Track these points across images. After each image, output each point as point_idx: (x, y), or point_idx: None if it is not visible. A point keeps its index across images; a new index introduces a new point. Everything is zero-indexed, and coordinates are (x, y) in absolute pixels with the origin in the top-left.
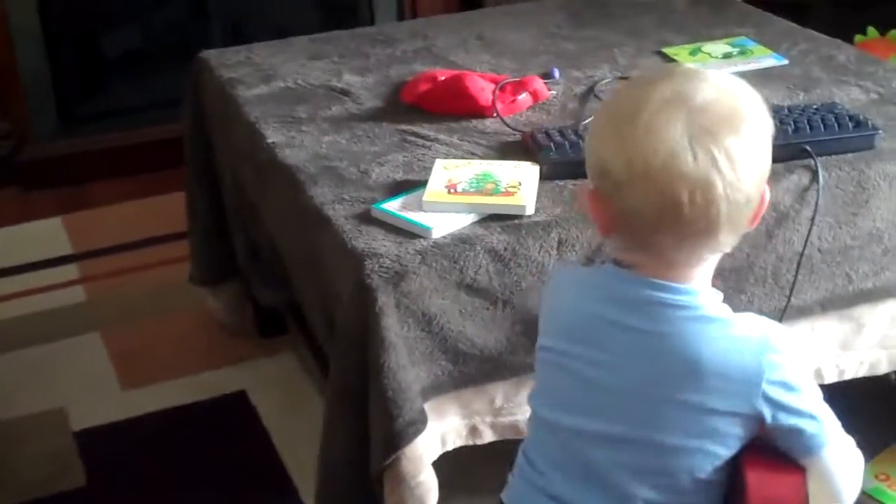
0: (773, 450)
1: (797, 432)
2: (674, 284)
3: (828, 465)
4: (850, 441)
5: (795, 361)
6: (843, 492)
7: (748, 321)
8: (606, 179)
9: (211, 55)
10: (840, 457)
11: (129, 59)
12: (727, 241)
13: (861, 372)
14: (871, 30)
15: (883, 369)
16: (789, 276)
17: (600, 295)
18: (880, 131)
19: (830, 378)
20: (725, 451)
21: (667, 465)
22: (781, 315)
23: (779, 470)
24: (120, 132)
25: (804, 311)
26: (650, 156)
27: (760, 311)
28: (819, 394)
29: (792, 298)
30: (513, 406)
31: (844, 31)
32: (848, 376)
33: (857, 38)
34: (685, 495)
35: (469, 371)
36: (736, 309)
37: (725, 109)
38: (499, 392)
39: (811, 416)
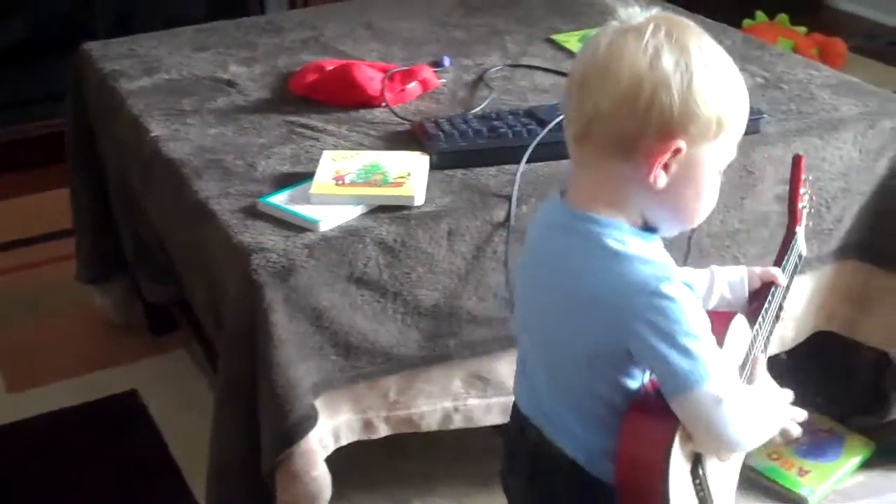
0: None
1: (664, 361)
2: (591, 214)
3: (692, 408)
4: (737, 395)
5: (684, 310)
6: (714, 440)
7: (648, 266)
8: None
9: (93, 47)
10: (708, 404)
11: (12, 52)
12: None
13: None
14: (760, 14)
15: (773, 351)
16: (681, 261)
17: (541, 219)
18: (765, 115)
19: None
20: (618, 376)
21: (571, 381)
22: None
23: (657, 413)
24: (2, 127)
25: None
26: None
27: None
28: (706, 342)
29: None
30: (407, 399)
31: (734, 15)
32: None
33: (746, 21)
34: (588, 412)
35: (361, 365)
36: None
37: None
38: (392, 386)
39: (685, 351)
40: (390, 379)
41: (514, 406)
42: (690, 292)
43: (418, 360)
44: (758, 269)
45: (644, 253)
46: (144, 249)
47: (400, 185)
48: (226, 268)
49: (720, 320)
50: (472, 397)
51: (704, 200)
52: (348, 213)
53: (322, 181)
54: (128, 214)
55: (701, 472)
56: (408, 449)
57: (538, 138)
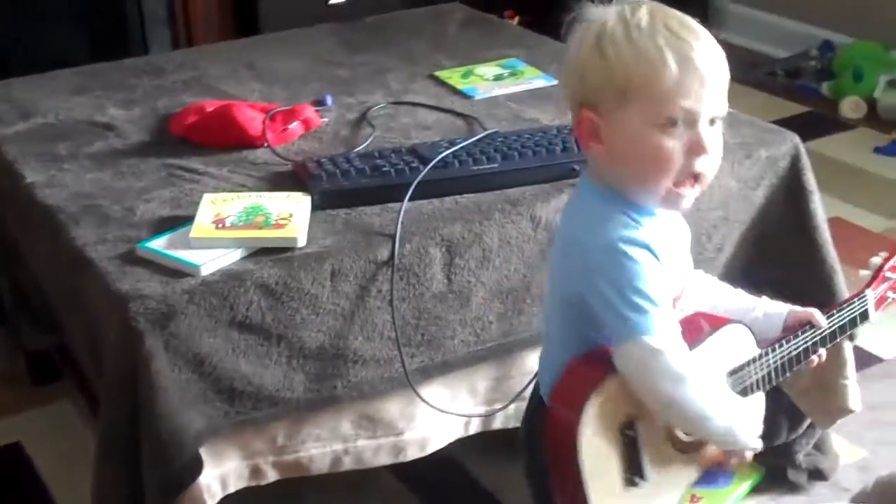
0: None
1: (612, 311)
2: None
3: (631, 356)
4: (681, 356)
5: (641, 271)
6: (647, 391)
7: (622, 228)
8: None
9: None
10: (646, 355)
11: None
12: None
13: None
14: None
15: None
16: None
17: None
18: None
19: None
20: (585, 329)
21: (554, 334)
22: None
23: (591, 363)
24: None
25: None
26: None
27: (540, 332)
28: (658, 304)
29: None
30: (295, 443)
31: None
32: None
33: None
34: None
35: (246, 410)
36: (516, 331)
37: None
38: (280, 430)
39: (633, 305)
40: (277, 423)
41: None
42: (653, 258)
43: (305, 403)
44: (800, 309)
45: (626, 219)
46: (24, 297)
47: (282, 226)
48: (104, 316)
49: (715, 321)
50: (361, 439)
51: (646, 162)
52: (229, 257)
53: (202, 224)
54: (6, 262)
55: (631, 432)
56: (301, 492)
57: (420, 176)
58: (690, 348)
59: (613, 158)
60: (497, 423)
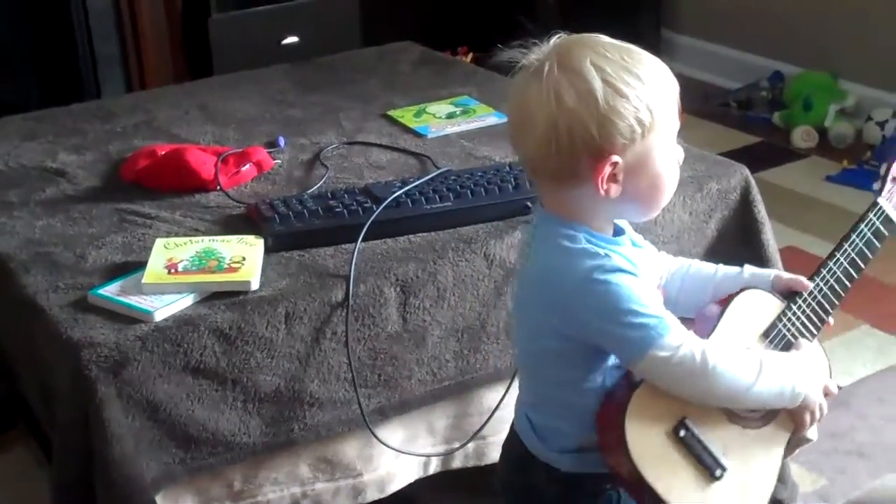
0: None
1: (614, 338)
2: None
3: (652, 369)
4: (693, 346)
5: (620, 289)
6: (684, 391)
7: (590, 259)
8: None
9: None
10: (663, 362)
11: None
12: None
13: None
14: None
15: None
16: None
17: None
18: None
19: None
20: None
21: (540, 374)
22: (515, 371)
23: (609, 396)
24: None
25: None
26: None
27: (496, 369)
28: (650, 308)
29: None
30: (253, 488)
31: None
32: None
33: None
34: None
35: (202, 456)
36: (473, 368)
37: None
38: (237, 475)
39: (629, 324)
40: (234, 468)
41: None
42: (629, 276)
43: (262, 447)
44: (786, 276)
45: (593, 249)
46: None
47: (235, 270)
48: (57, 364)
49: (723, 301)
50: (319, 482)
51: (664, 186)
52: (182, 302)
53: (154, 270)
54: None
55: (686, 432)
56: None
57: (373, 216)
58: (708, 335)
59: (630, 193)
60: (457, 462)
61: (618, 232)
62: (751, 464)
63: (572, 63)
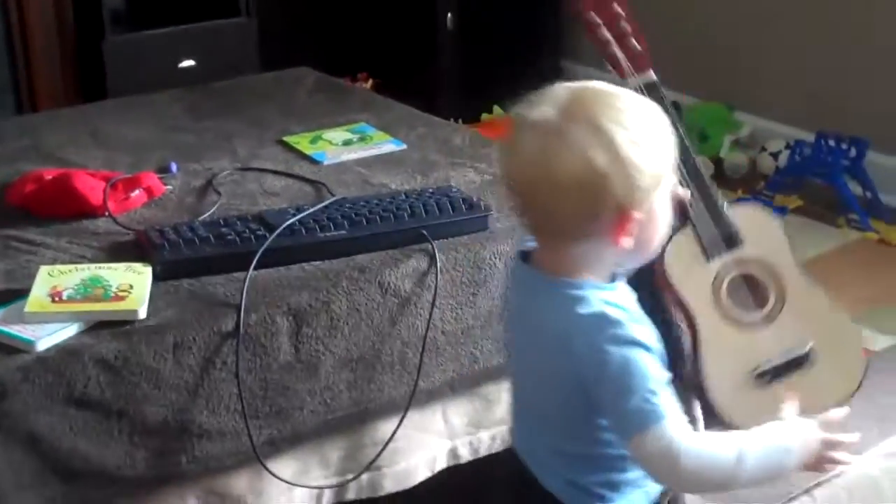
0: None
1: (619, 408)
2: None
3: (636, 453)
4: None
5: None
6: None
7: (606, 324)
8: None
9: None
10: (645, 449)
11: None
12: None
13: (495, 448)
14: (497, 108)
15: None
16: (416, 360)
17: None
18: (493, 212)
19: (465, 456)
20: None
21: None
22: (410, 400)
23: None
24: None
25: (434, 394)
26: None
27: (391, 399)
28: (661, 393)
29: (420, 382)
30: None
31: (474, 110)
32: (483, 453)
33: (484, 116)
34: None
35: (86, 490)
36: (367, 399)
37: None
38: None
39: (641, 398)
40: (120, 502)
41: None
42: (639, 349)
43: (149, 480)
44: None
45: (606, 312)
46: None
47: (122, 298)
48: None
49: None
50: None
51: (663, 229)
52: (66, 332)
53: (38, 298)
54: None
55: None
56: None
57: (266, 244)
58: None
59: (638, 243)
60: (350, 494)
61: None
62: None
63: (592, 120)
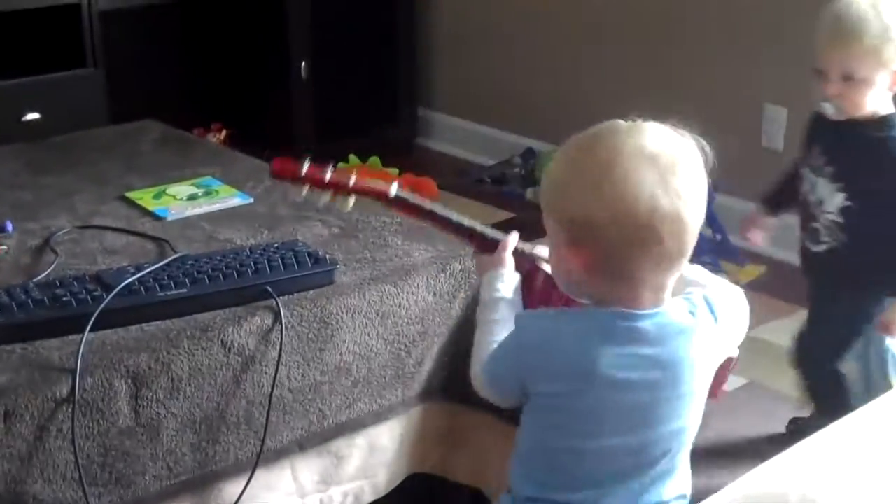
0: None
1: None
2: (649, 311)
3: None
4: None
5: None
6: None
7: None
8: (589, 229)
9: None
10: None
11: None
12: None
13: None
14: (353, 157)
15: (367, 499)
16: (262, 419)
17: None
18: (339, 266)
19: None
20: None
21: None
22: (257, 460)
23: None
24: None
25: (282, 452)
26: (632, 202)
27: (238, 459)
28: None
29: (268, 441)
30: None
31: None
32: None
33: (340, 165)
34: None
35: None
36: (212, 461)
37: (672, 154)
38: None
39: None
40: None
41: None
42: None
43: None
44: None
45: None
46: None
47: None
48: None
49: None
50: None
51: None
52: None
53: None
54: None
55: None
56: None
57: (102, 304)
58: None
59: None
60: None
61: None
62: None
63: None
